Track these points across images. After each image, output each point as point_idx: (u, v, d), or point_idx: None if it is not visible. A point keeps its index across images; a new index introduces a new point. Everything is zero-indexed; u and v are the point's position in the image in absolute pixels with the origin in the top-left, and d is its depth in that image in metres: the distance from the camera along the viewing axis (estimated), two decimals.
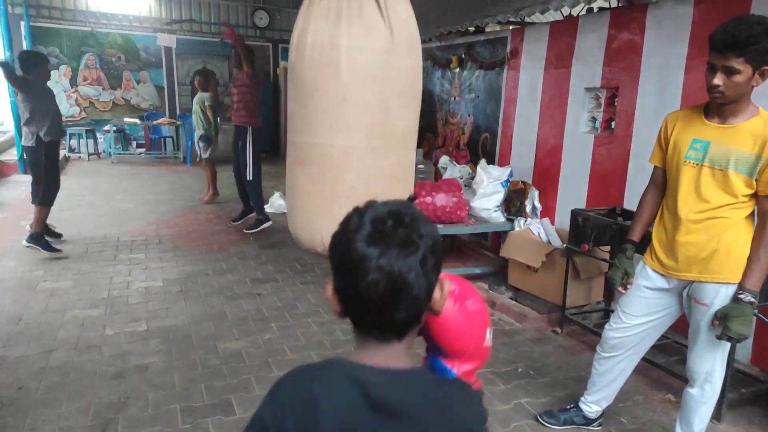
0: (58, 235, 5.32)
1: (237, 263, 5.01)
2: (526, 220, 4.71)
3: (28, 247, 4.90)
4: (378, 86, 2.08)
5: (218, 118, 7.49)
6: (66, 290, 4.16)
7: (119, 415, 2.66)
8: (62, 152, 10.60)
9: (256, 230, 5.81)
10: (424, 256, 0.82)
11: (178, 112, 12.15)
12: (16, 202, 6.98)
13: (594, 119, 4.42)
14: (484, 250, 5.49)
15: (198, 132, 7.22)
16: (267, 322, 3.79)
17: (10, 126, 9.64)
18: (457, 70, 6.13)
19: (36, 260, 4.78)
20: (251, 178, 5.75)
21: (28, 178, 5.53)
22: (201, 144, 7.23)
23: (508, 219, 4.87)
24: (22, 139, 4.97)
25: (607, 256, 3.77)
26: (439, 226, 4.63)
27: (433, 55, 6.53)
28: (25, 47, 10.67)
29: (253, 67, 5.84)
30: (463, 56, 6.00)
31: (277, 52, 12.97)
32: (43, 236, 4.96)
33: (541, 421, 2.71)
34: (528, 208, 4.85)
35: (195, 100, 7.31)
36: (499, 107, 5.47)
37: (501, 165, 5.25)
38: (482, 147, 5.74)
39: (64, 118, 11.43)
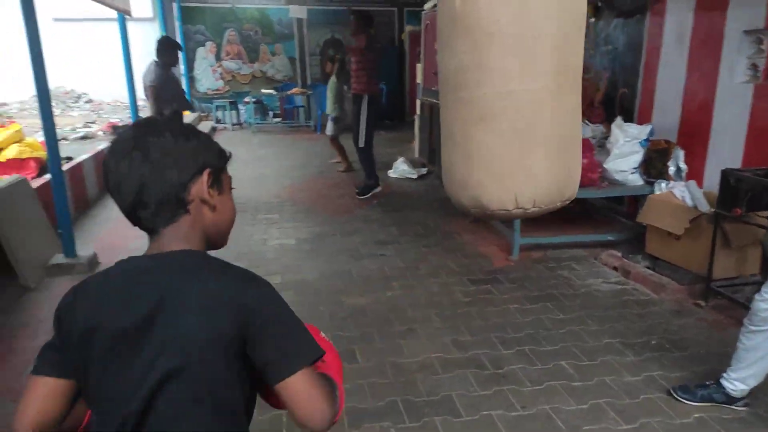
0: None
1: (362, 226, 5.19)
2: (668, 183, 4.30)
3: None
4: (562, 18, 1.85)
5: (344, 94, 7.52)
6: None
7: None
8: (209, 123, 11.64)
9: (367, 195, 5.96)
10: (146, 158, 0.96)
11: (309, 82, 12.68)
12: None
13: (754, 66, 3.87)
14: (619, 216, 5.13)
15: (331, 113, 7.41)
16: (389, 281, 3.91)
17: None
18: (593, 20, 5.67)
19: None
20: (362, 145, 5.91)
21: None
22: (330, 123, 7.44)
23: (647, 182, 4.48)
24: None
25: (765, 222, 3.33)
26: None
27: None
28: (177, 27, 11.75)
29: (370, 34, 5.88)
30: (600, 4, 5.53)
31: (402, 16, 12.93)
32: None
33: (675, 395, 2.52)
34: (671, 170, 4.42)
35: (328, 84, 7.48)
36: (639, 59, 5.00)
37: (640, 123, 4.81)
38: (619, 104, 5.30)
39: (210, 92, 12.55)
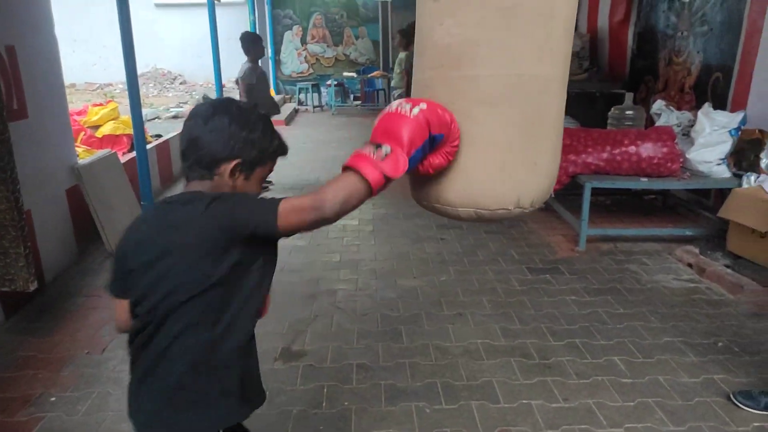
0: (268, 182, 6.13)
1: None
2: (758, 176, 3.94)
3: None
4: (575, 6, 1.69)
5: None
6: None
7: (308, 329, 3.04)
8: (292, 105, 12.03)
9: None
10: (204, 125, 1.23)
11: (390, 66, 12.72)
12: None
13: None
14: (702, 211, 4.78)
15: (396, 91, 7.48)
16: (445, 265, 3.90)
17: None
18: None
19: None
20: None
21: None
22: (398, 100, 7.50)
23: (735, 174, 4.14)
24: None
25: None
26: (644, 179, 4.16)
27: None
28: (266, 11, 12.18)
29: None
30: None
31: None
32: None
33: (735, 400, 2.35)
34: (764, 162, 4.03)
35: (396, 59, 7.57)
36: (737, 41, 4.58)
37: (734, 110, 4.42)
38: (712, 90, 4.90)
39: (294, 74, 12.94)
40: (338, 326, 3.09)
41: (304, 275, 3.73)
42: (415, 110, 1.23)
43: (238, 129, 1.22)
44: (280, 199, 1.17)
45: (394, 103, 1.28)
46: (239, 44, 5.77)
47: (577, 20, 7.81)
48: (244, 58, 5.78)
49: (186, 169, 1.27)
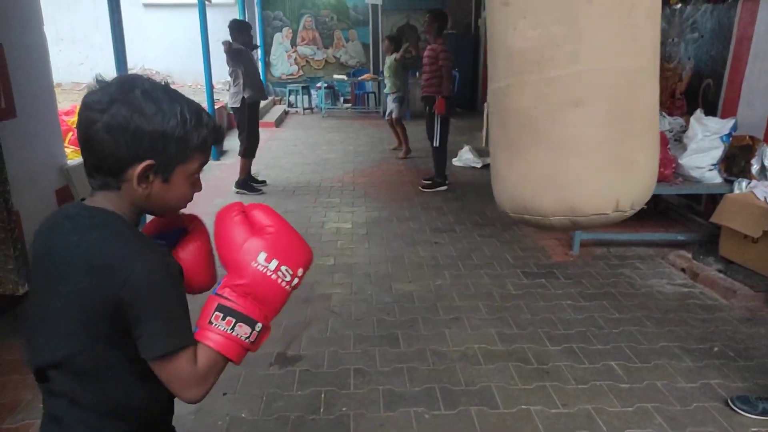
0: (262, 182, 6.08)
1: (420, 212, 5.17)
2: (749, 182, 3.98)
3: (237, 192, 5.72)
4: None
5: (408, 78, 7.63)
6: None
7: (303, 333, 3.00)
8: (282, 107, 11.96)
9: (431, 190, 5.94)
10: (108, 123, 0.91)
11: (381, 68, 12.71)
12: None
13: None
14: (694, 216, 4.82)
15: (390, 93, 7.48)
16: (440, 269, 3.88)
17: None
18: (679, 6, 5.31)
19: (249, 201, 5.55)
20: (437, 145, 5.97)
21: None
22: (394, 104, 7.48)
23: (726, 180, 4.17)
24: (229, 100, 5.72)
25: None
26: None
27: None
28: (256, 12, 12.11)
29: (444, 38, 5.91)
30: None
31: (480, 2, 12.65)
32: (246, 182, 5.74)
33: (733, 405, 2.35)
34: (754, 168, 4.08)
35: (386, 64, 7.58)
36: (727, 48, 4.63)
37: (725, 116, 4.47)
38: (702, 96, 4.95)
39: (285, 76, 12.88)
40: (334, 331, 3.05)
41: None
42: (295, 281, 1.06)
43: (144, 120, 0.92)
44: (183, 346, 0.95)
45: (260, 257, 1.00)
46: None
47: None
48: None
49: (87, 176, 0.99)
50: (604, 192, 1.50)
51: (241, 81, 5.48)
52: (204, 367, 0.96)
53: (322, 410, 2.40)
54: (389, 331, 3.05)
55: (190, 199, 1.07)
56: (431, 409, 2.41)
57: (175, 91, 1.00)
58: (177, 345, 0.94)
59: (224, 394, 2.46)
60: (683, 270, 3.85)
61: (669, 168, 4.18)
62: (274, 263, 1.01)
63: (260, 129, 5.94)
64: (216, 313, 0.98)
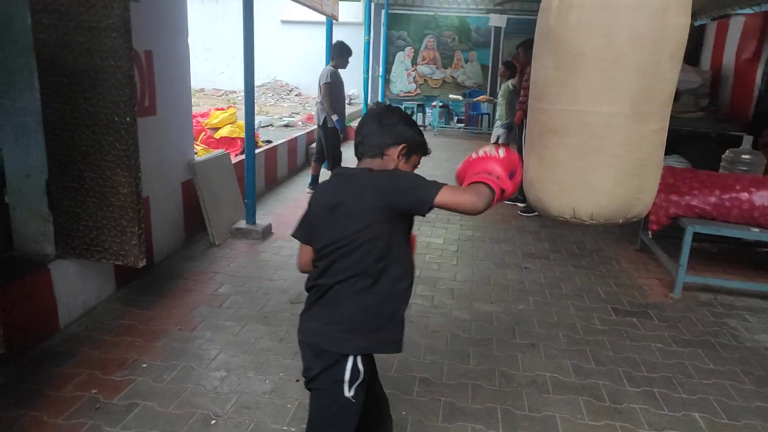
0: None
1: (514, 235, 5.12)
2: None
3: (308, 191, 6.12)
4: (650, 48, 1.87)
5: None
6: None
7: None
8: None
9: (530, 214, 5.84)
10: (379, 122, 1.67)
11: (497, 91, 12.66)
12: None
13: None
14: None
15: (499, 120, 7.42)
16: (525, 294, 3.83)
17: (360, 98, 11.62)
18: None
19: None
20: None
21: None
22: (501, 130, 7.42)
23: None
24: (315, 117, 6.10)
25: None
26: (755, 229, 3.85)
27: None
28: (381, 31, 12.64)
29: None
30: None
31: None
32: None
33: None
34: None
35: (501, 90, 7.53)
36: None
37: None
38: None
39: (402, 93, 13.27)
40: (408, 339, 3.10)
41: None
42: (501, 152, 1.62)
43: (403, 125, 1.67)
44: (441, 184, 1.53)
45: (486, 148, 1.66)
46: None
47: (698, 56, 7.37)
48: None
49: (360, 152, 1.69)
50: (564, 202, 1.99)
51: (328, 104, 5.82)
52: (473, 190, 1.56)
53: None
54: (462, 347, 3.08)
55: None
56: (489, 428, 2.41)
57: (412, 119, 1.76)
58: (439, 184, 1.54)
59: (297, 380, 2.65)
60: None
61: None
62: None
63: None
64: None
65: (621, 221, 2.05)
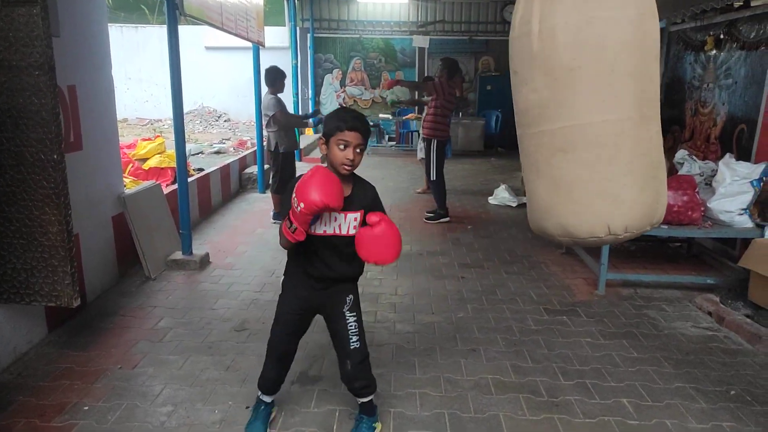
0: None
1: (450, 248, 5.32)
2: None
3: (274, 222, 6.10)
4: (640, 53, 1.90)
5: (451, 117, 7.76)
6: None
7: (326, 355, 3.18)
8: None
9: (434, 222, 6.28)
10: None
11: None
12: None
13: None
14: (726, 260, 4.76)
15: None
16: (464, 303, 4.00)
17: None
18: (713, 52, 5.37)
19: None
20: (434, 178, 6.40)
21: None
22: (421, 144, 7.69)
23: (758, 225, 4.15)
24: (264, 141, 6.16)
25: None
26: (664, 226, 4.21)
27: (685, 37, 5.83)
28: (309, 55, 12.77)
29: (450, 85, 6.45)
30: (722, 36, 5.23)
31: None
32: (281, 213, 6.03)
33: None
34: None
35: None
36: (761, 94, 4.65)
37: (759, 161, 4.46)
38: (737, 141, 4.95)
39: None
40: None
41: None
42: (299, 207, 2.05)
43: (330, 118, 2.19)
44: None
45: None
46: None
47: None
48: (286, 97, 6.15)
49: None
50: (594, 219, 1.86)
51: (276, 131, 5.88)
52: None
53: (335, 428, 2.55)
54: (407, 358, 3.18)
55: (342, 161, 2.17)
56: None
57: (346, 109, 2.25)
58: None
59: (246, 407, 2.65)
60: (710, 313, 3.82)
61: (698, 211, 4.19)
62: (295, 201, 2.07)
63: (307, 164, 6.30)
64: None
65: (648, 228, 1.97)
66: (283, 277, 2.46)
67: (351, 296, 2.42)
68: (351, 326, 2.39)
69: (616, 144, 1.83)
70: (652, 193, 1.91)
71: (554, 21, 1.83)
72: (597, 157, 1.83)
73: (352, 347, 2.37)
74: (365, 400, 2.45)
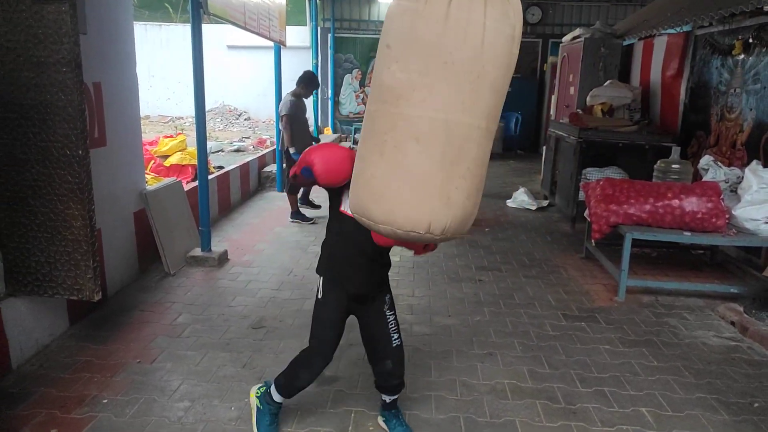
0: (317, 206, 6.52)
1: (467, 250, 5.29)
2: None
3: (292, 221, 6.12)
4: (505, 68, 1.91)
5: None
6: None
7: (342, 356, 3.17)
8: (348, 144, 12.45)
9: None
10: None
11: None
12: None
13: None
14: (751, 269, 4.66)
15: None
16: (481, 306, 3.97)
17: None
18: (741, 56, 5.27)
19: (308, 230, 5.85)
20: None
21: None
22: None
23: None
24: (280, 142, 6.21)
25: None
26: (687, 233, 4.13)
27: (712, 41, 5.73)
28: (329, 55, 12.82)
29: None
30: (751, 40, 5.13)
31: (547, 47, 12.81)
32: (297, 212, 6.16)
33: None
34: None
35: None
36: None
37: None
38: (764, 147, 4.85)
39: (351, 115, 13.45)
40: None
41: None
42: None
43: None
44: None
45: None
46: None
47: (629, 73, 7.82)
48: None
49: None
50: (422, 215, 1.82)
51: (293, 134, 5.92)
52: None
53: (350, 428, 2.55)
54: (423, 360, 3.17)
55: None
56: None
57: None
58: None
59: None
60: (733, 323, 3.75)
61: (722, 219, 4.11)
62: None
63: None
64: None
65: (458, 237, 1.96)
66: (320, 282, 2.49)
67: (388, 295, 2.46)
68: (391, 324, 2.41)
69: (462, 147, 1.82)
70: (472, 204, 1.90)
71: (445, 10, 1.75)
72: (444, 154, 1.81)
73: (394, 345, 2.40)
74: (396, 396, 2.49)
